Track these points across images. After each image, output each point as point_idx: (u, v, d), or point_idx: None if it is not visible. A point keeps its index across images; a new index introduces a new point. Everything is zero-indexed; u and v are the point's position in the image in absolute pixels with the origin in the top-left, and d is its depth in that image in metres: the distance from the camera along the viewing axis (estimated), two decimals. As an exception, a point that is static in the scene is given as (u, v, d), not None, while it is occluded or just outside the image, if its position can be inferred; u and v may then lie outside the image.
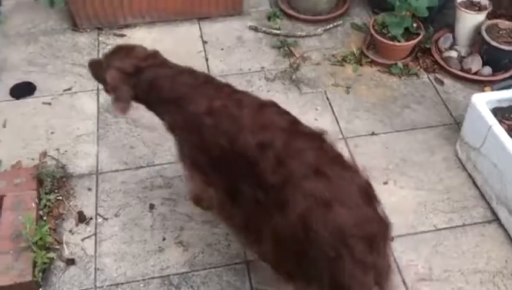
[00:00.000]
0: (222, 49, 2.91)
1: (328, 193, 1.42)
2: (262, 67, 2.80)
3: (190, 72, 1.82)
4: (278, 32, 2.98)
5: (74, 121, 2.51)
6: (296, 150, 1.52)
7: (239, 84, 2.52)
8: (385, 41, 2.72)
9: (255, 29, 3.02)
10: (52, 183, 2.21)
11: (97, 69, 1.98)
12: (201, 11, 3.03)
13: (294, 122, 1.66)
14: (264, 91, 2.64)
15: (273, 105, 1.69)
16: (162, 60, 1.87)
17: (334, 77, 2.75)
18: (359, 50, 2.86)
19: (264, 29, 3.00)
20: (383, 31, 2.75)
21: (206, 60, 2.83)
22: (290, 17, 3.09)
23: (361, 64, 2.81)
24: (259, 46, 2.93)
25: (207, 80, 1.80)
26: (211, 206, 1.84)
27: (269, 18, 3.07)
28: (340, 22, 3.05)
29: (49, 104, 2.59)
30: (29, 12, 3.07)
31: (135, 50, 1.89)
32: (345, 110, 2.58)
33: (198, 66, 1.97)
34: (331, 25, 3.03)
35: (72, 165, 2.32)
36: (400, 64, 2.75)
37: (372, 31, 2.76)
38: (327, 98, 2.63)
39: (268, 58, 2.85)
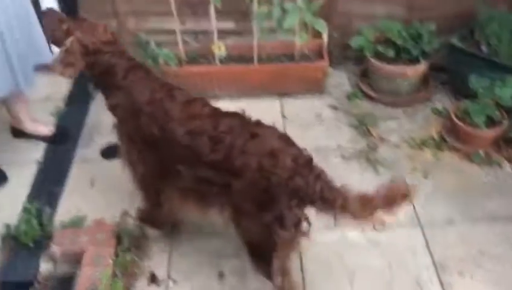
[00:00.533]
0: (300, 124, 2.99)
1: (267, 146, 1.81)
2: (339, 145, 2.84)
3: (142, 67, 2.13)
4: (357, 112, 3.04)
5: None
6: (226, 128, 1.88)
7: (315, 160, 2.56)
8: (467, 128, 2.69)
9: (335, 108, 3.09)
10: (129, 242, 2.31)
11: (52, 22, 2.15)
12: (285, 88, 3.16)
13: (216, 108, 2.01)
14: (340, 169, 2.66)
15: (200, 99, 2.04)
16: (122, 49, 2.13)
17: (413, 160, 2.74)
18: (439, 135, 2.85)
19: (343, 108, 3.08)
20: (465, 117, 2.74)
21: (285, 134, 2.92)
22: (370, 98, 3.15)
23: (441, 150, 2.79)
24: (337, 125, 2.99)
25: (155, 77, 2.11)
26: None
27: (349, 98, 3.15)
28: (421, 106, 3.07)
29: (135, 166, 2.74)
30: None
31: (98, 30, 2.09)
32: (422, 195, 2.54)
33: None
34: (411, 108, 3.05)
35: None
36: (481, 152, 2.70)
37: (454, 117, 2.75)
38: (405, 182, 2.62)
39: (345, 136, 2.90)
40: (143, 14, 3.26)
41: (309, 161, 1.84)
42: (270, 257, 1.92)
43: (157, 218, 2.34)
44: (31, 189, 2.61)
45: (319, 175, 1.80)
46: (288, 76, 3.11)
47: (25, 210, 2.42)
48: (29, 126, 2.87)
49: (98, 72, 2.09)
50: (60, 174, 2.70)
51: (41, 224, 2.36)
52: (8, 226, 2.35)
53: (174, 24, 3.02)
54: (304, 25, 3.00)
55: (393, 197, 1.71)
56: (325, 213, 1.79)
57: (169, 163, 1.99)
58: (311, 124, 2.99)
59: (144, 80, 2.07)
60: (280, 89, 3.17)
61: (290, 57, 3.15)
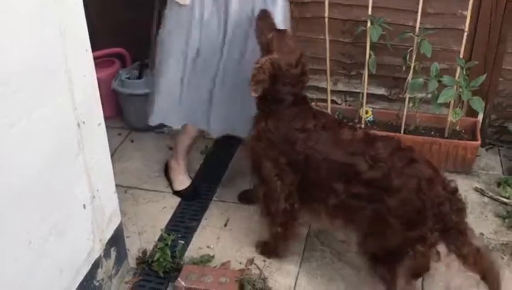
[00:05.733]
0: (442, 203, 2.86)
1: (424, 171, 1.99)
2: (482, 234, 2.66)
3: (307, 103, 2.31)
4: (506, 200, 2.83)
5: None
6: (384, 150, 2.04)
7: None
8: None
9: (481, 192, 2.91)
10: (251, 291, 2.36)
11: (263, 27, 2.26)
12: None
13: (368, 132, 2.20)
14: (478, 260, 2.49)
15: (347, 125, 2.28)
16: (302, 85, 2.26)
17: None
18: None
19: (491, 194, 2.88)
20: None
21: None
22: (523, 187, 2.92)
23: None
24: (483, 211, 2.80)
25: (313, 110, 2.31)
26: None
27: (499, 184, 2.95)
28: None
29: (268, 215, 2.81)
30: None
31: (295, 54, 2.21)
32: None
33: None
34: None
35: (273, 280, 2.44)
36: None
37: None
38: (550, 287, 2.37)
39: (490, 226, 2.70)
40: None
41: (455, 190, 2.03)
42: (394, 266, 2.06)
43: (277, 248, 2.50)
44: (170, 219, 2.78)
45: (462, 208, 2.02)
46: (435, 151, 3.00)
47: (162, 239, 2.59)
48: (178, 170, 2.97)
49: (269, 94, 2.22)
50: (198, 210, 2.85)
51: (173, 256, 2.51)
52: (144, 252, 2.53)
53: (326, 83, 3.09)
54: (459, 100, 2.91)
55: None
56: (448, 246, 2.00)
57: (322, 183, 2.16)
58: (453, 205, 2.84)
59: (301, 110, 2.24)
60: (425, 163, 3.06)
61: (440, 132, 3.05)
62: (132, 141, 3.42)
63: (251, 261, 2.54)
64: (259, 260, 2.54)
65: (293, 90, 2.22)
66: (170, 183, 2.99)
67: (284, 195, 2.29)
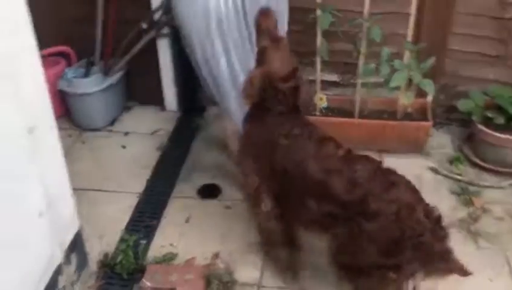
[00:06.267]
0: (398, 184, 2.92)
1: (405, 197, 1.84)
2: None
3: (298, 113, 2.18)
4: (459, 178, 2.92)
5: (249, 230, 2.64)
6: (364, 172, 1.91)
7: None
8: None
9: (436, 171, 2.99)
10: (218, 287, 2.33)
11: (262, 27, 2.16)
12: (384, 145, 3.10)
13: (349, 150, 2.05)
14: (437, 237, 2.56)
15: (333, 140, 2.10)
16: (295, 97, 2.14)
17: (517, 236, 2.58)
18: (548, 213, 2.68)
19: (445, 172, 2.97)
20: None
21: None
22: (473, 164, 3.01)
23: (550, 229, 2.61)
24: (438, 189, 2.88)
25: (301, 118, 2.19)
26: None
27: (451, 162, 3.04)
28: (530, 178, 2.91)
29: (230, 208, 2.79)
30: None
31: (288, 65, 2.12)
32: (527, 278, 2.38)
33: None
34: (518, 180, 2.89)
35: (239, 273, 2.43)
36: None
37: None
38: (506, 259, 2.46)
39: (446, 203, 2.78)
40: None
41: (439, 219, 1.88)
42: (363, 284, 2.01)
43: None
44: (130, 219, 2.72)
45: (445, 237, 1.86)
46: (389, 133, 3.06)
47: (123, 240, 2.53)
48: None
49: (260, 101, 2.15)
50: (158, 208, 2.80)
51: (136, 257, 2.45)
52: (106, 255, 2.46)
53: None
54: (409, 83, 2.97)
55: None
56: (431, 275, 1.89)
57: (297, 196, 2.07)
58: (410, 185, 2.91)
59: (288, 120, 2.15)
60: (379, 146, 3.11)
61: (392, 114, 3.10)
62: (83, 142, 3.32)
63: (216, 256, 2.52)
64: (225, 253, 2.52)
65: (284, 103, 2.13)
66: None
67: (265, 195, 2.22)
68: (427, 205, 1.88)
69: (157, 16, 3.20)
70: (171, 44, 3.34)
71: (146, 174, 3.03)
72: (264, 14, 2.16)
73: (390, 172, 1.96)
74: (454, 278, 2.32)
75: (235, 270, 2.44)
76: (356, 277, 2.02)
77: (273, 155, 2.10)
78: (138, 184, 2.95)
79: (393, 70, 2.82)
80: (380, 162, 2.02)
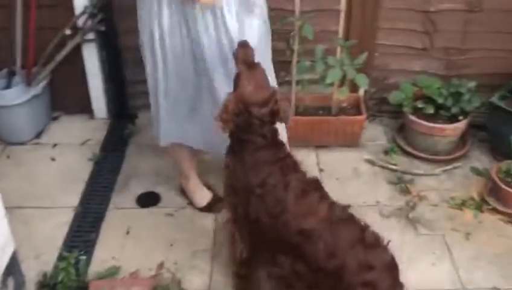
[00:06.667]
0: (337, 179, 2.96)
1: (383, 281, 1.76)
2: (378, 202, 2.80)
3: (276, 148, 2.01)
4: (394, 167, 3.01)
5: (193, 236, 2.59)
6: (345, 244, 1.80)
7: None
8: (510, 190, 2.64)
9: (371, 162, 3.06)
10: (166, 297, 2.27)
11: (239, 58, 2.01)
12: (321, 140, 3.14)
13: (332, 206, 1.91)
14: (379, 227, 2.54)
15: (315, 190, 1.95)
16: (270, 126, 1.99)
17: (453, 220, 2.68)
18: (479, 196, 2.80)
19: (380, 163, 3.05)
20: (507, 179, 2.69)
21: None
22: (407, 153, 3.11)
23: (481, 211, 2.73)
24: (375, 180, 2.95)
25: (278, 159, 1.99)
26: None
27: (386, 153, 3.12)
28: (459, 164, 3.03)
29: (172, 215, 2.72)
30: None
31: (263, 93, 1.95)
32: (464, 258, 2.48)
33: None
34: (450, 167, 3.01)
35: (187, 281, 2.37)
36: (524, 215, 2.65)
37: (496, 178, 2.71)
38: (445, 243, 2.56)
39: (384, 193, 2.86)
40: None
41: None
42: None
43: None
44: (67, 236, 2.58)
45: None
46: (325, 129, 3.10)
47: (62, 258, 2.40)
48: (194, 187, 2.75)
49: (237, 131, 2.00)
50: (96, 222, 2.67)
51: (77, 274, 2.33)
52: (44, 275, 2.32)
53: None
54: (343, 79, 3.02)
55: None
56: None
57: (270, 249, 1.95)
58: (349, 178, 2.96)
59: (267, 162, 1.97)
60: (316, 142, 3.15)
61: (328, 110, 3.14)
62: (8, 157, 3.12)
63: (161, 266, 2.44)
64: (170, 263, 2.45)
65: (260, 132, 1.97)
66: (191, 202, 2.77)
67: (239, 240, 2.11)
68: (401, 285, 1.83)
69: (81, 21, 3.07)
70: (97, 50, 3.21)
71: (80, 186, 2.90)
72: (242, 45, 2.06)
73: (376, 246, 1.84)
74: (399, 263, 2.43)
75: (183, 279, 2.38)
76: None
77: (248, 204, 1.96)
78: (72, 198, 2.82)
79: (328, 67, 2.86)
80: (366, 228, 1.88)
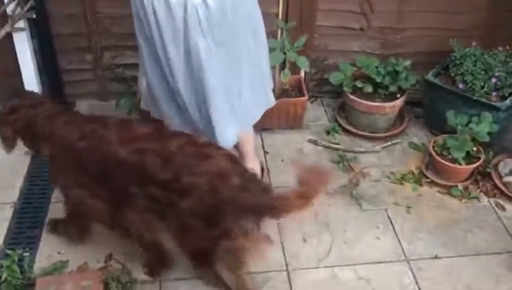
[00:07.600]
0: (282, 160, 3.00)
1: (218, 168, 1.89)
2: (322, 181, 2.86)
3: (67, 111, 2.24)
4: (337, 146, 3.08)
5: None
6: (175, 148, 1.92)
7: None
8: (446, 163, 2.77)
9: (315, 142, 3.12)
10: (117, 289, 2.24)
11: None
12: (264, 122, 3.15)
13: (158, 127, 2.08)
14: (324, 205, 2.68)
15: (134, 120, 2.17)
16: (40, 101, 2.22)
17: (394, 195, 2.79)
18: (418, 170, 2.92)
19: (323, 143, 3.11)
20: (444, 152, 2.81)
21: (268, 170, 2.91)
22: (348, 132, 3.19)
23: (420, 184, 2.84)
24: (319, 160, 3.01)
25: (80, 115, 2.21)
26: (100, 218, 2.19)
27: (328, 132, 3.19)
28: (398, 140, 3.14)
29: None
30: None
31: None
32: (406, 230, 2.58)
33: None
34: (389, 143, 3.11)
35: (137, 271, 2.34)
36: (460, 187, 2.78)
37: (433, 152, 2.82)
38: (388, 217, 2.66)
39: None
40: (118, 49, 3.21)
41: (254, 177, 1.99)
42: (212, 262, 2.09)
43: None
44: (7, 233, 2.50)
45: (265, 188, 1.97)
46: (268, 111, 3.09)
47: (4, 256, 2.32)
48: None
49: (22, 128, 2.16)
50: (37, 217, 2.59)
51: (22, 271, 2.26)
52: (-13, 275, 2.24)
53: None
54: (284, 61, 3.04)
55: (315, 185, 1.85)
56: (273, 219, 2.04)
57: (121, 187, 2.00)
58: (293, 159, 3.00)
59: (69, 121, 2.11)
60: (260, 125, 3.15)
61: (270, 92, 3.16)
62: None
63: (110, 257, 2.41)
64: (119, 254, 2.41)
65: (37, 111, 2.15)
66: None
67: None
68: (242, 168, 1.98)
69: (10, 8, 2.92)
70: (30, 38, 3.07)
71: (18, 181, 2.79)
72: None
73: (207, 145, 2.00)
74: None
75: (133, 269, 2.35)
76: (203, 262, 2.08)
77: (81, 163, 2.04)
78: (10, 194, 2.72)
79: (270, 50, 2.86)
80: (192, 136, 2.05)
